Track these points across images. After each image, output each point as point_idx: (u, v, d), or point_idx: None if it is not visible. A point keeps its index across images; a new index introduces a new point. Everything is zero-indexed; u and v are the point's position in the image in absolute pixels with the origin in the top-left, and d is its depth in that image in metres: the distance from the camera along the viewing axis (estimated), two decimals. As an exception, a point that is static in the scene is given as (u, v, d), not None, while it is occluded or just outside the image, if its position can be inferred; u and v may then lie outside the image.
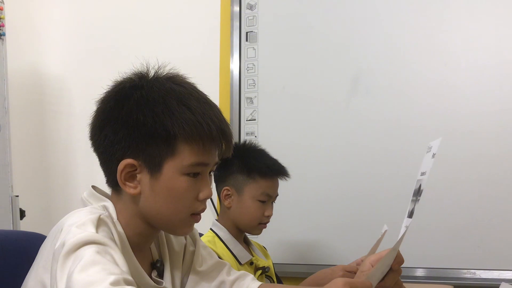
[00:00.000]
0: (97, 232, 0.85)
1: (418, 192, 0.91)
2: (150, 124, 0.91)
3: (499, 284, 1.62)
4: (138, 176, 0.93)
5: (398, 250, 0.96)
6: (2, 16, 2.24)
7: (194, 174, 0.95)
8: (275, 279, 1.70)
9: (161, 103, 0.92)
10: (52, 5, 2.72)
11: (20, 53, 2.55)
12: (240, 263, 1.57)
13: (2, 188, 2.16)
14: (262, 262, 1.64)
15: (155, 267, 1.02)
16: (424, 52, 2.09)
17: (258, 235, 2.05)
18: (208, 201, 2.52)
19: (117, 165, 0.93)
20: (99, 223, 0.87)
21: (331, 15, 2.24)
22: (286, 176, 1.66)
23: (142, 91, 0.94)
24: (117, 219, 0.94)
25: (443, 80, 2.06)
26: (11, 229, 2.14)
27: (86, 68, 2.62)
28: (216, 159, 0.99)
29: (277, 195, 1.67)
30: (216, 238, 1.59)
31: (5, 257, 0.95)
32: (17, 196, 2.21)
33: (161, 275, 1.03)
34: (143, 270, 0.96)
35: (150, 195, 0.94)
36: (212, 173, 1.01)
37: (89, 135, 0.99)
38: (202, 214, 1.00)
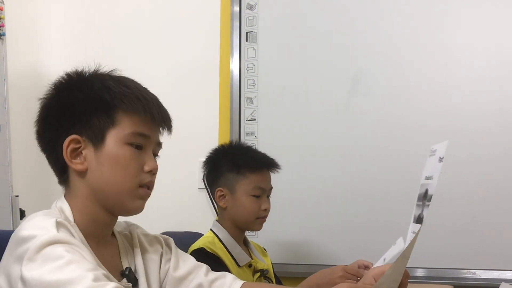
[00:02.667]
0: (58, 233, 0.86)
1: (425, 197, 0.90)
2: (90, 99, 0.98)
3: (499, 284, 1.62)
4: (84, 152, 0.98)
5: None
6: (2, 16, 2.24)
7: (137, 146, 1.00)
8: (274, 280, 1.70)
9: (99, 82, 0.99)
10: (52, 5, 2.72)
11: (20, 53, 2.54)
12: (238, 265, 1.57)
13: (2, 188, 2.16)
14: (260, 264, 1.64)
15: (124, 275, 1.03)
16: (424, 52, 2.09)
17: (258, 235, 2.06)
18: (209, 201, 2.52)
19: (60, 148, 0.97)
20: (58, 225, 0.88)
21: (331, 15, 2.24)
22: (276, 167, 1.67)
23: (80, 76, 1.02)
24: (74, 219, 0.96)
25: (443, 80, 2.06)
26: (11, 229, 2.14)
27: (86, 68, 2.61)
28: (158, 139, 1.05)
29: (271, 188, 1.67)
30: (216, 239, 1.59)
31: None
32: (17, 196, 2.22)
33: (132, 282, 1.03)
34: (106, 270, 0.96)
35: (96, 168, 0.98)
36: (156, 157, 1.06)
37: (35, 135, 1.04)
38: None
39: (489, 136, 1.99)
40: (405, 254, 0.91)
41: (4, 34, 2.24)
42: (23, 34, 2.63)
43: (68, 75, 1.04)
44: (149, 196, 1.03)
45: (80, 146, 0.97)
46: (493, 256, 1.96)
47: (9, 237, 0.95)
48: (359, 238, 2.10)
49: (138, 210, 1.03)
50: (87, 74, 1.03)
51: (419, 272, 2.05)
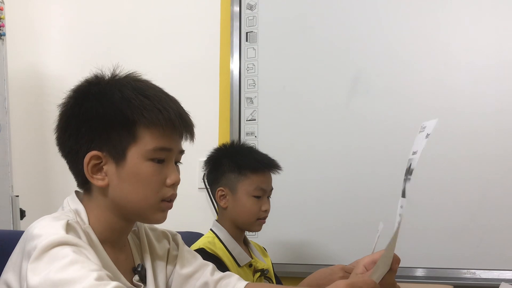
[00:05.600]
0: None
1: (408, 171, 0.91)
2: (110, 114, 0.95)
3: (499, 284, 1.62)
4: (105, 167, 0.96)
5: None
6: (2, 16, 2.24)
7: (159, 160, 0.97)
8: (274, 280, 1.70)
9: (118, 93, 0.96)
10: (52, 6, 2.72)
11: (20, 53, 2.55)
12: (239, 265, 1.57)
13: (2, 188, 2.16)
14: (261, 264, 1.64)
15: (136, 272, 1.03)
16: (424, 52, 2.09)
17: (258, 235, 2.06)
18: (208, 201, 2.51)
19: (81, 161, 0.95)
20: (68, 228, 0.88)
21: (331, 15, 2.24)
22: (277, 169, 1.67)
23: (99, 86, 0.98)
24: (89, 222, 0.96)
25: (443, 80, 2.06)
26: (11, 229, 2.14)
27: (86, 68, 2.61)
28: (180, 147, 1.02)
29: (272, 189, 1.67)
30: (216, 239, 1.59)
31: (5, 257, 0.95)
32: (17, 196, 2.22)
33: (143, 279, 1.03)
34: (120, 273, 0.97)
35: (118, 184, 0.96)
36: (178, 164, 1.04)
37: (55, 141, 1.01)
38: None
39: (489, 136, 1.99)
40: (394, 238, 0.91)
41: (4, 34, 2.24)
42: (23, 34, 2.63)
43: (87, 82, 1.01)
44: (170, 208, 1.01)
45: (101, 162, 0.96)
46: (493, 256, 1.96)
47: (9, 237, 0.96)
48: (359, 238, 2.10)
49: (159, 221, 1.02)
50: (105, 81, 0.99)
51: (419, 272, 2.05)
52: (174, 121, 0.97)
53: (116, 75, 1.01)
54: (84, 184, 1.00)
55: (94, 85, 0.99)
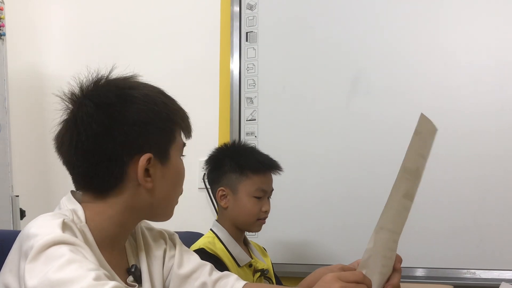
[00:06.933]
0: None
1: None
2: (158, 117, 0.99)
3: (499, 284, 1.62)
4: (151, 169, 0.98)
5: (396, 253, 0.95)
6: (2, 16, 2.24)
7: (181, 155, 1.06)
8: (274, 280, 1.70)
9: (160, 96, 1.02)
10: (52, 6, 2.72)
11: (20, 53, 2.55)
12: (239, 265, 1.57)
13: (2, 188, 2.16)
14: (261, 264, 1.64)
15: (130, 273, 1.03)
16: (424, 52, 2.09)
17: (258, 235, 2.06)
18: (209, 201, 2.51)
19: (124, 165, 0.95)
20: (64, 226, 0.87)
21: (331, 15, 2.24)
22: (278, 170, 1.67)
23: (138, 91, 1.00)
24: (87, 222, 0.95)
25: (443, 80, 2.06)
26: (11, 229, 2.14)
27: (86, 68, 2.61)
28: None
29: (272, 189, 1.67)
30: (216, 239, 1.59)
31: (5, 257, 0.95)
32: (17, 196, 2.22)
33: (138, 280, 1.03)
34: (115, 274, 0.96)
35: (160, 184, 0.99)
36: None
37: (82, 148, 0.96)
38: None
39: (489, 136, 1.99)
40: (383, 225, 0.90)
41: (4, 34, 2.24)
42: (23, 34, 2.63)
43: (119, 88, 0.99)
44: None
45: (149, 164, 0.97)
46: (493, 256, 1.96)
47: (9, 237, 0.95)
48: (359, 238, 2.09)
49: (169, 217, 1.07)
50: (134, 85, 1.01)
51: (419, 272, 2.05)
52: (190, 122, 1.07)
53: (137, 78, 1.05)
54: (111, 187, 0.96)
55: (133, 88, 0.99)
